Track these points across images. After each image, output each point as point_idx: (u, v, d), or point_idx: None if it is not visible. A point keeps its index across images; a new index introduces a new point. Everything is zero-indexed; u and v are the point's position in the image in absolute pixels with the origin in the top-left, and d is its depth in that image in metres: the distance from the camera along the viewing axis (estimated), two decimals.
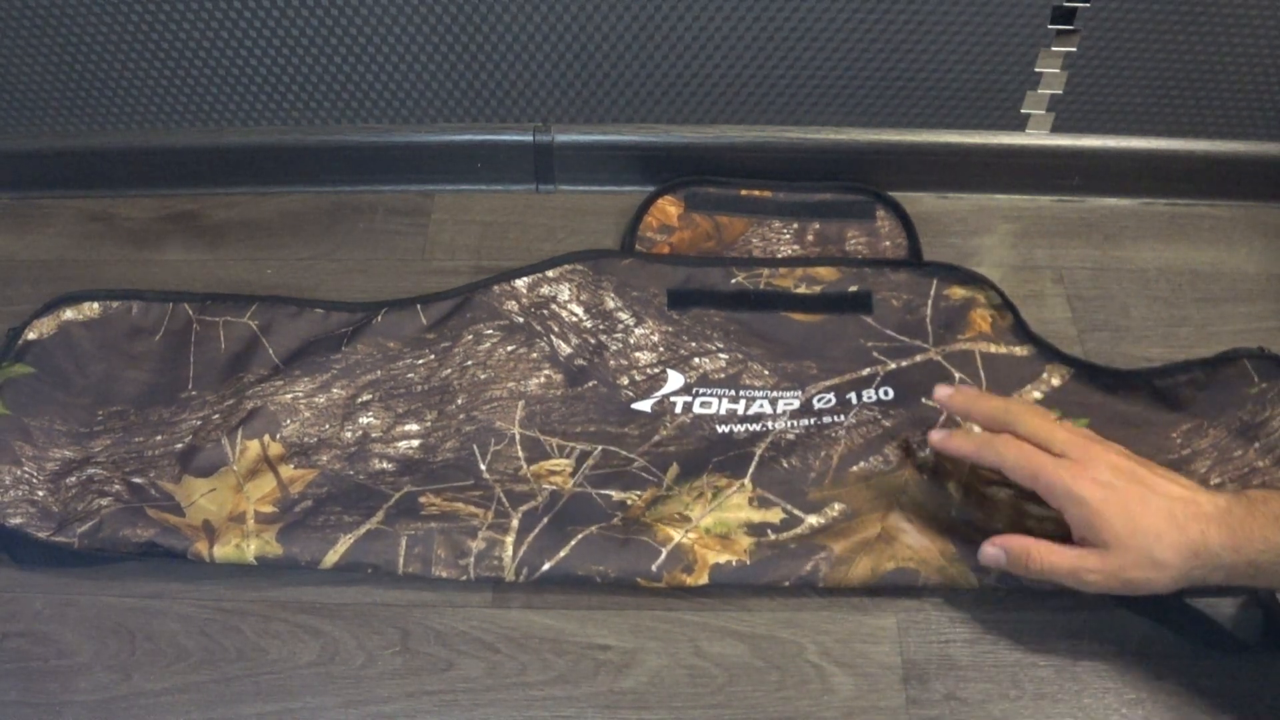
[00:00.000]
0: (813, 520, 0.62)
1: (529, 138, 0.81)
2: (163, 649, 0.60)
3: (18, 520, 0.62)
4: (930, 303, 0.73)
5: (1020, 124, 0.79)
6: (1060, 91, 0.77)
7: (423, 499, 0.63)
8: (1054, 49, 0.75)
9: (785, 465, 0.64)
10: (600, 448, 0.66)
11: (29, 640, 0.60)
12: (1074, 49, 0.75)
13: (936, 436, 0.59)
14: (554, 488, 0.64)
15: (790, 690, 0.58)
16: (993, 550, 0.57)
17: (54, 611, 0.61)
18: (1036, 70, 0.76)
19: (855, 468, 0.64)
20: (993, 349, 0.70)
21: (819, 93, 0.78)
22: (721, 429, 0.67)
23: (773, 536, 0.61)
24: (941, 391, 0.61)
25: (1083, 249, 0.79)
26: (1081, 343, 0.73)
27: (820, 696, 0.58)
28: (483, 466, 0.66)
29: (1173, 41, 0.74)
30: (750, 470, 0.64)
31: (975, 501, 0.63)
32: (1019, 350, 0.70)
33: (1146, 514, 0.52)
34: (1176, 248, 0.80)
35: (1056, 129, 0.79)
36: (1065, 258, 0.79)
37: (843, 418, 0.67)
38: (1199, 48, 0.74)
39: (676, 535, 0.61)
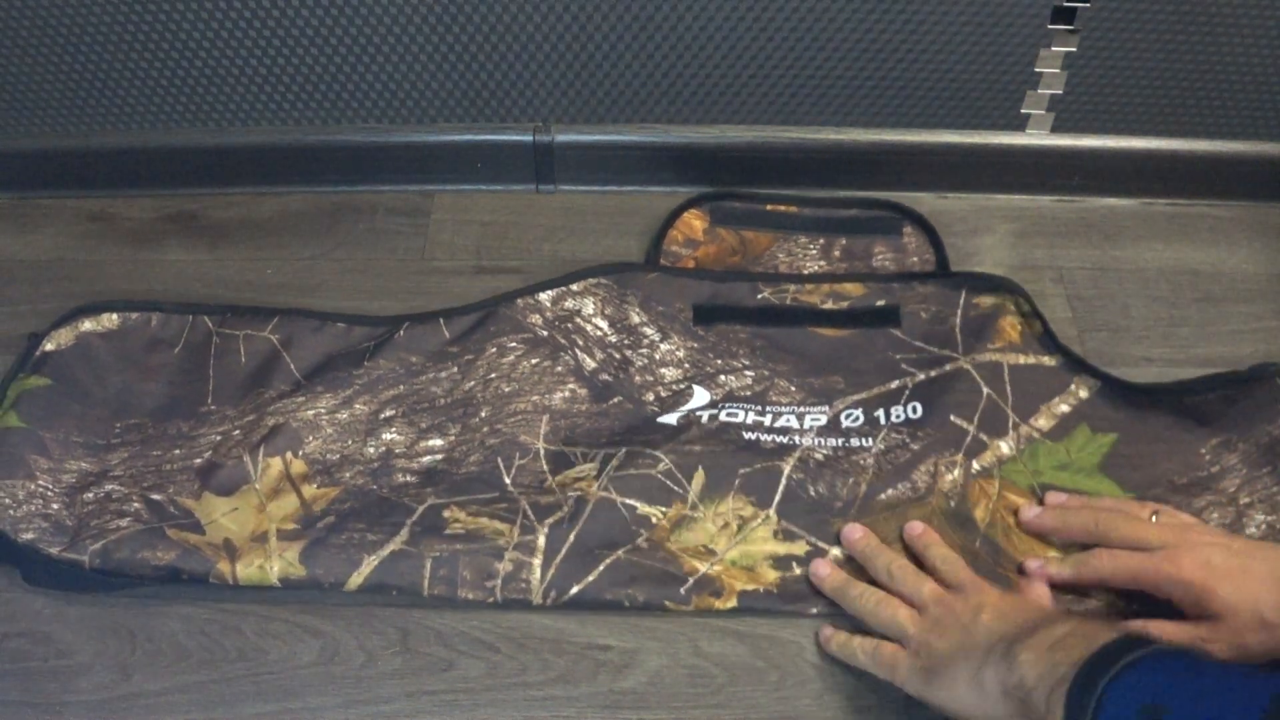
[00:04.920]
0: (837, 553, 0.62)
1: (529, 138, 0.81)
2: (163, 649, 0.60)
3: (30, 535, 0.61)
4: (960, 312, 0.72)
5: (1020, 124, 0.79)
6: (1060, 91, 0.77)
7: (446, 513, 0.63)
8: (1054, 49, 0.75)
9: (812, 493, 0.64)
10: (625, 449, 0.66)
11: (29, 640, 0.60)
12: (1074, 49, 0.75)
13: (1033, 565, 0.60)
14: (579, 494, 0.63)
15: (790, 690, 0.58)
16: None
17: (54, 611, 0.61)
18: (1036, 70, 0.76)
19: (883, 496, 0.64)
20: (1021, 360, 0.69)
21: (819, 93, 0.78)
22: (749, 435, 0.67)
23: (798, 571, 0.61)
24: (1028, 514, 0.62)
25: (1083, 249, 0.79)
26: (1081, 343, 0.73)
27: (820, 696, 0.58)
28: (507, 480, 0.65)
29: (1173, 41, 0.74)
30: (776, 500, 0.64)
31: (1000, 530, 0.63)
32: (1047, 360, 0.69)
33: (1249, 581, 0.53)
34: (1176, 248, 0.80)
35: (1056, 129, 0.79)
36: (1065, 258, 0.79)
37: (870, 441, 0.66)
38: (1199, 48, 0.74)
39: (703, 568, 0.61)
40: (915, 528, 0.62)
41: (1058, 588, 0.60)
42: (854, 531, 0.62)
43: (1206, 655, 0.54)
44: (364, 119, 0.81)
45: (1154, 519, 0.60)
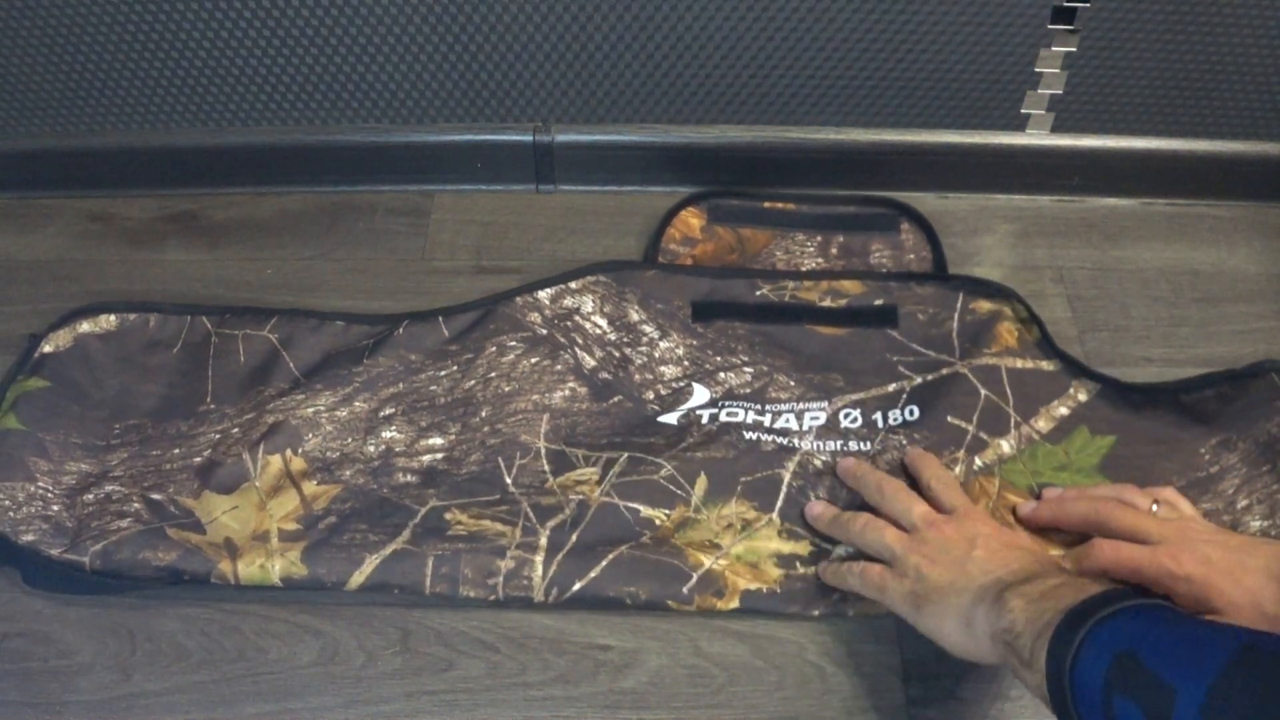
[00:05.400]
0: (840, 552, 0.62)
1: (529, 138, 0.81)
2: (163, 649, 0.60)
3: (30, 537, 0.61)
4: (956, 316, 0.72)
5: (1020, 124, 0.79)
6: (1060, 91, 0.77)
7: (448, 515, 0.63)
8: (1054, 49, 0.75)
9: (813, 498, 0.64)
10: (626, 454, 0.66)
11: (29, 640, 0.60)
12: (1074, 49, 0.75)
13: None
14: (581, 498, 0.63)
15: (790, 690, 0.58)
16: None
17: (54, 611, 0.61)
18: (1036, 70, 0.76)
19: None
20: (1019, 364, 0.69)
21: (819, 93, 0.78)
22: (749, 435, 0.67)
23: (802, 570, 0.61)
24: (1025, 509, 0.63)
25: (1083, 249, 0.79)
26: (1081, 343, 0.73)
27: (820, 696, 0.58)
28: (508, 480, 0.65)
29: (1173, 41, 0.74)
30: (779, 504, 0.64)
31: None
32: (1046, 365, 0.69)
33: (1247, 576, 0.54)
34: (1176, 248, 0.80)
35: (1056, 129, 0.79)
36: (1065, 258, 0.79)
37: (869, 445, 0.66)
38: (1199, 48, 0.74)
39: (708, 561, 0.61)
40: (914, 451, 0.63)
41: None
42: (847, 460, 0.64)
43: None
44: (364, 119, 0.81)
45: (1155, 509, 0.59)
